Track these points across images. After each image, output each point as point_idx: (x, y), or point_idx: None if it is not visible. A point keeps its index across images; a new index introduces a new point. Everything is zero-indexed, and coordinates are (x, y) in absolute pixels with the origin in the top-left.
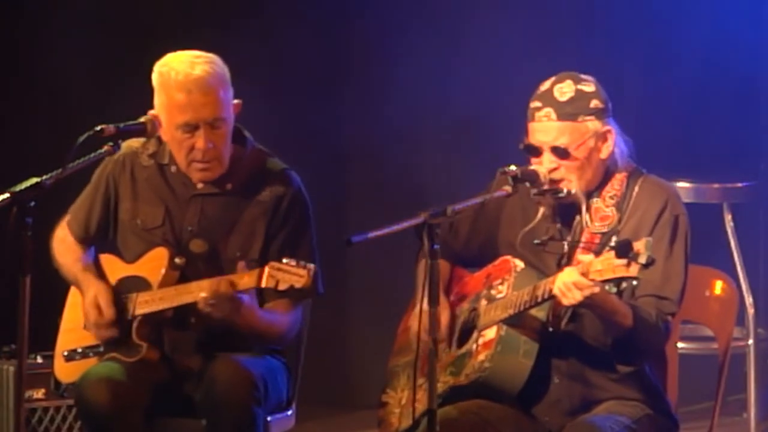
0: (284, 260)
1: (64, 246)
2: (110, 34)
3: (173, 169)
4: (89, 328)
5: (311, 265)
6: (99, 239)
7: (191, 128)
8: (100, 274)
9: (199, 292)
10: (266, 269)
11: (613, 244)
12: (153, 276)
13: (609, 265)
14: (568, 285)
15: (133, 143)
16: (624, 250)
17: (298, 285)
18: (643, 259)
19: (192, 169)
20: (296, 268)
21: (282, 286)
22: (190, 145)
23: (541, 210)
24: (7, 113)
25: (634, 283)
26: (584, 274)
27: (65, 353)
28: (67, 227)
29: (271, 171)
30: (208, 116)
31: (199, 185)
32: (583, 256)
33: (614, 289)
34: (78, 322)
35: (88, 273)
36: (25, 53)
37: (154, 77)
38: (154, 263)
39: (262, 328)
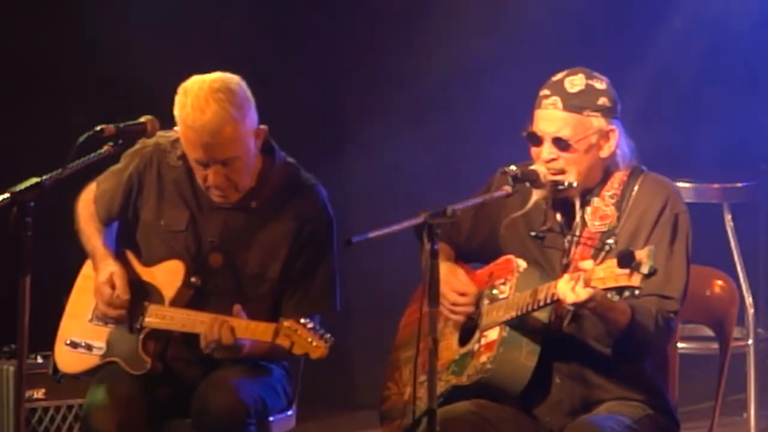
0: (302, 321)
1: (89, 212)
2: (110, 33)
3: None
4: (98, 304)
5: (329, 337)
6: (121, 218)
7: (203, 164)
8: (122, 262)
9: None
10: (283, 328)
11: (610, 241)
12: (167, 289)
13: (611, 273)
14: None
15: (161, 140)
16: (626, 260)
17: (314, 356)
18: (645, 269)
19: (210, 193)
20: (313, 336)
21: (297, 351)
22: (204, 175)
23: (535, 195)
24: (8, 113)
25: (636, 292)
26: (586, 281)
27: (68, 341)
28: (93, 202)
29: (300, 187)
30: (218, 157)
31: None
32: (583, 263)
33: (616, 297)
34: (85, 309)
35: (108, 250)
36: (24, 53)
37: (175, 101)
38: (170, 276)
39: (271, 355)
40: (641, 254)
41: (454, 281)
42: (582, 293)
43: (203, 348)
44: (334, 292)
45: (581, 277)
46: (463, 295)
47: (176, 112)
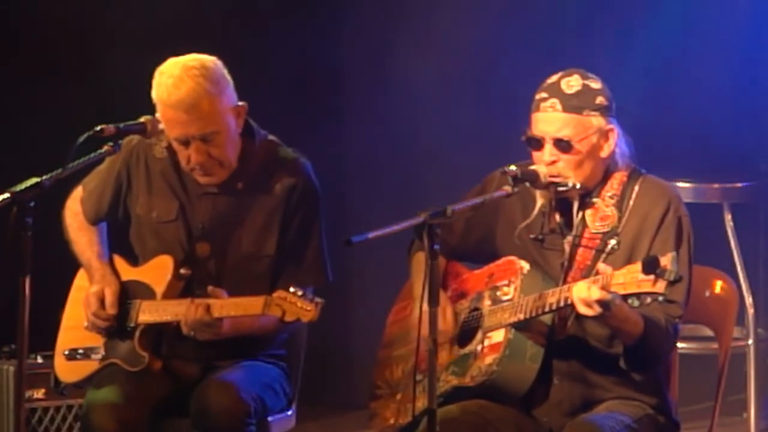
0: (291, 289)
1: (78, 222)
2: (111, 34)
3: None
4: (86, 314)
5: (319, 300)
6: (110, 219)
7: (183, 142)
8: (113, 269)
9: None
10: (273, 298)
11: (613, 242)
12: (157, 284)
13: (633, 279)
14: (588, 302)
15: None
16: (651, 267)
17: (305, 319)
18: (671, 276)
19: (195, 175)
20: (304, 301)
21: (289, 318)
22: (187, 155)
23: (539, 203)
24: (8, 113)
25: (660, 299)
26: (604, 288)
27: (66, 352)
28: (80, 204)
29: (283, 161)
30: (196, 133)
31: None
32: (602, 266)
33: (636, 303)
34: (80, 319)
35: (103, 263)
36: (24, 51)
37: (153, 84)
38: (159, 271)
39: (260, 332)
40: (665, 260)
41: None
42: (596, 306)
43: (185, 333)
44: (325, 263)
45: (599, 282)
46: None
47: (154, 94)
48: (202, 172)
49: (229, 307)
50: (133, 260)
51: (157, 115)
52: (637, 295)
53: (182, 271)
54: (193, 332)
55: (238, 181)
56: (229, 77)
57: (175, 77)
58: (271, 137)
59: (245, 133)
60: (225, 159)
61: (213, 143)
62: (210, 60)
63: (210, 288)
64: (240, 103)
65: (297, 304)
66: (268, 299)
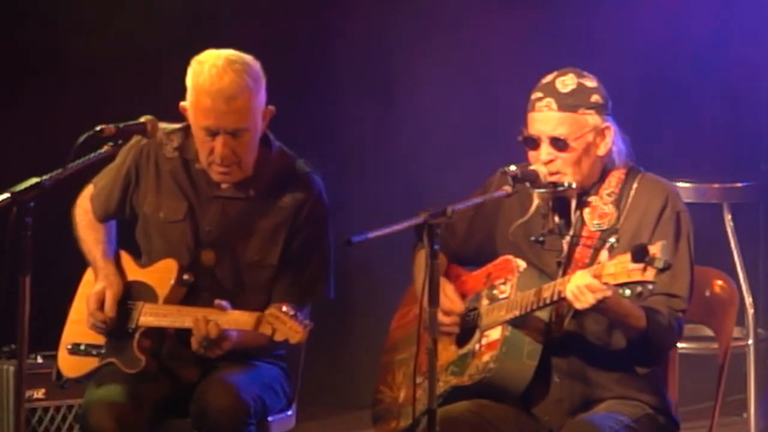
0: (284, 309)
1: (87, 220)
2: (111, 34)
3: (198, 165)
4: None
5: (308, 323)
6: (118, 217)
7: (212, 133)
8: (119, 269)
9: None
10: (265, 316)
11: (612, 240)
12: (161, 288)
13: (623, 269)
14: (581, 288)
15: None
16: (640, 255)
17: (293, 341)
18: (660, 264)
19: (212, 170)
20: (293, 322)
21: (278, 337)
22: (211, 147)
23: (536, 202)
24: (8, 113)
25: (650, 287)
26: (596, 278)
27: (69, 346)
28: (90, 202)
29: (296, 175)
30: (229, 126)
31: (223, 185)
32: (604, 257)
33: (628, 292)
34: (85, 315)
35: (108, 262)
36: (23, 51)
37: (189, 72)
38: (164, 274)
39: (258, 343)
40: (654, 249)
41: (442, 299)
42: (590, 298)
43: (195, 349)
44: (328, 278)
45: (591, 271)
46: (448, 314)
47: (190, 81)
48: (221, 168)
49: (221, 322)
50: (140, 257)
51: (184, 103)
52: (628, 285)
53: (185, 276)
54: (203, 350)
55: (250, 188)
56: (264, 77)
57: (218, 67)
58: (285, 149)
59: (262, 142)
60: (245, 159)
61: (240, 140)
62: (249, 57)
63: (216, 302)
64: (269, 107)
65: (287, 324)
66: (260, 316)
